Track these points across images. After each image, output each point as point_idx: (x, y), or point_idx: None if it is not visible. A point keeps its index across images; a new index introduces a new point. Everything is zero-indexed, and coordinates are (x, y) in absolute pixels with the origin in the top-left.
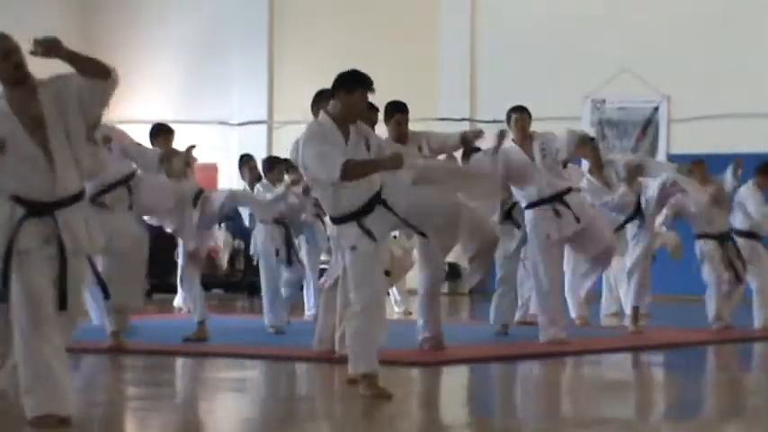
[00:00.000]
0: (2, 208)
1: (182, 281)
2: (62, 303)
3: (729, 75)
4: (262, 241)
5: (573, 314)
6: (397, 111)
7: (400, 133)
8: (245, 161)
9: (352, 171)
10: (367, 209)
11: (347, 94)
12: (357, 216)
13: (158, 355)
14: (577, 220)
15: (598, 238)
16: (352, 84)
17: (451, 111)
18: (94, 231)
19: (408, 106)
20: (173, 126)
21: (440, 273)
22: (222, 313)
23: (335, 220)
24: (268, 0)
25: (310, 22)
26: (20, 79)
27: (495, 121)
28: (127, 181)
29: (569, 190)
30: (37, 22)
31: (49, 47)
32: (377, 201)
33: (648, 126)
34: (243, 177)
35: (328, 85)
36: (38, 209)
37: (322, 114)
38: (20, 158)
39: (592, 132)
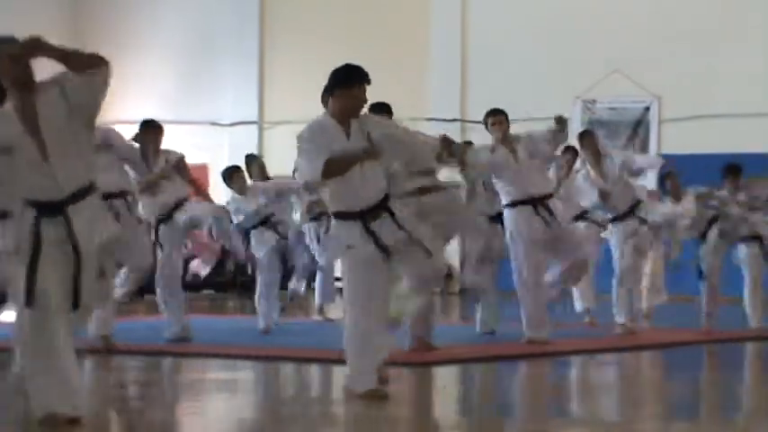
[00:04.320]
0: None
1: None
2: (75, 302)
3: (720, 75)
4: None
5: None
6: (383, 112)
7: None
8: (253, 160)
9: (331, 168)
10: (371, 212)
11: (345, 90)
12: (361, 216)
13: (148, 356)
14: (551, 225)
15: (573, 247)
16: (348, 79)
17: (442, 111)
18: (102, 225)
19: (398, 106)
20: (163, 126)
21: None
22: (213, 314)
23: (337, 216)
24: (259, 0)
25: (301, 23)
26: (27, 83)
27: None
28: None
29: (551, 195)
30: (28, 23)
31: (31, 47)
32: (383, 207)
33: (639, 126)
34: (251, 177)
35: (319, 85)
36: (48, 208)
37: (323, 113)
38: (26, 162)
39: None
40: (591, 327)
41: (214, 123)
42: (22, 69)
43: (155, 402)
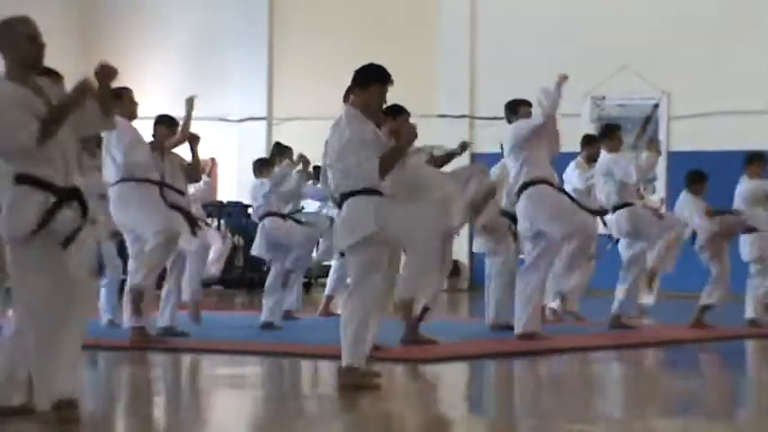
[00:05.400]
0: (33, 195)
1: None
2: None
3: (729, 71)
4: None
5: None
6: (398, 114)
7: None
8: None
9: (386, 167)
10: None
11: (362, 90)
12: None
13: (153, 351)
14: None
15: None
16: (367, 79)
17: (451, 108)
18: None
19: (407, 103)
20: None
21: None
22: (221, 309)
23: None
24: None
25: (310, 20)
26: (39, 65)
27: (494, 118)
28: None
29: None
30: (37, 19)
31: (108, 74)
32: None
33: (648, 123)
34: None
35: (327, 82)
36: (64, 194)
37: (349, 107)
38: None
39: (592, 130)
40: (579, 324)
41: (223, 119)
42: (37, 49)
43: (161, 398)
